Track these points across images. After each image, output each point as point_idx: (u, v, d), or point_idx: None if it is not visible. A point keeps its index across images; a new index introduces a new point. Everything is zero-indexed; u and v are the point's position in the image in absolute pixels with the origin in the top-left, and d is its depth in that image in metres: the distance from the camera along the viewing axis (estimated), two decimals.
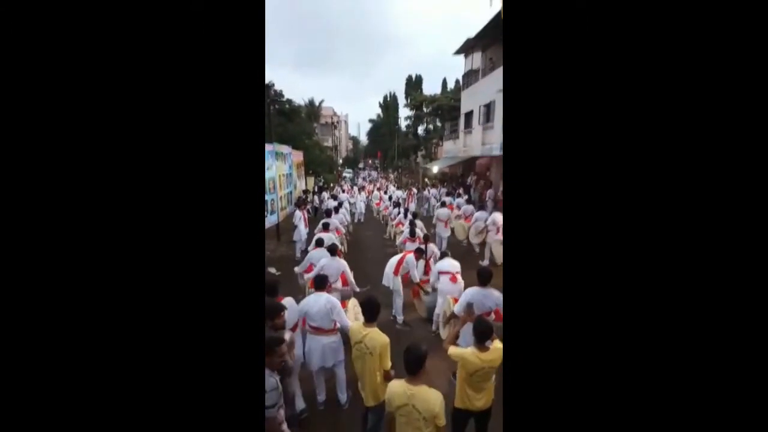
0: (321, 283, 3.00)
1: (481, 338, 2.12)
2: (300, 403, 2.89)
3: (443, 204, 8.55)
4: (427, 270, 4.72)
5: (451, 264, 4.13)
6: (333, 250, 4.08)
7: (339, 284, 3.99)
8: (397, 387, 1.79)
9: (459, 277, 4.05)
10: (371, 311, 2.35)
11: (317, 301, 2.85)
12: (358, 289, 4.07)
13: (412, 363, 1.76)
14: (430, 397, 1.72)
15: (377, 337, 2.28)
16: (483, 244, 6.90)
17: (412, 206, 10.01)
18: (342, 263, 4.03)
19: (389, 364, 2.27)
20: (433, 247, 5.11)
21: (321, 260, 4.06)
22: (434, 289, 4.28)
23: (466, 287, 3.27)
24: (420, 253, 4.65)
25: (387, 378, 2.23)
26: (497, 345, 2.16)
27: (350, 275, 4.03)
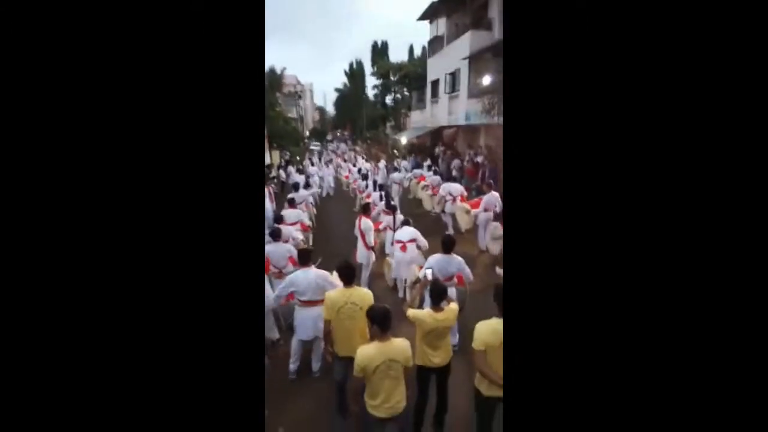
0: (305, 258, 3.05)
1: (437, 300, 2.27)
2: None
3: (395, 169, 11.03)
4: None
5: (405, 232, 4.30)
6: (275, 235, 4.01)
7: (290, 267, 3.92)
8: (370, 350, 1.89)
9: (410, 245, 4.21)
10: (350, 274, 2.50)
11: (306, 276, 2.92)
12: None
13: (384, 320, 1.91)
14: (404, 346, 1.94)
15: (363, 293, 2.49)
16: (444, 213, 7.16)
17: (380, 179, 10.18)
18: (287, 247, 4.00)
19: None
20: (399, 218, 5.23)
21: (267, 246, 3.99)
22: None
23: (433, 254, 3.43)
24: (365, 210, 4.83)
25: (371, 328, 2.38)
26: (452, 307, 2.33)
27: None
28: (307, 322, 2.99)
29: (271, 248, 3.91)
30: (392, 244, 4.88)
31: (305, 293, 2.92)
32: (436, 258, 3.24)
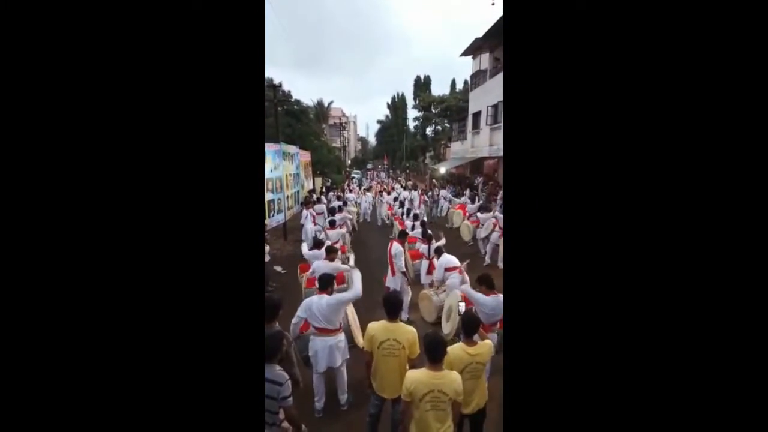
0: (325, 284, 2.95)
1: (469, 332, 2.14)
2: None
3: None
4: (431, 269, 4.75)
5: (454, 259, 4.19)
6: (329, 251, 4.10)
7: (334, 285, 3.96)
8: (420, 376, 1.85)
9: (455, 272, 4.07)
10: (394, 308, 2.36)
11: (319, 301, 2.86)
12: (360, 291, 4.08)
13: (436, 350, 1.85)
14: (454, 378, 1.86)
15: (406, 329, 2.33)
16: (486, 241, 6.91)
17: (423, 209, 10.37)
18: (336, 265, 4.02)
19: (418, 351, 2.30)
20: (434, 246, 5.13)
21: (315, 262, 4.10)
22: (439, 286, 4.33)
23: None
24: (401, 237, 4.75)
25: (412, 365, 2.27)
26: (486, 341, 2.18)
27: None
28: (322, 352, 2.84)
29: (319, 264, 3.99)
30: (427, 273, 4.77)
31: (319, 320, 2.83)
32: (488, 299, 2.89)
